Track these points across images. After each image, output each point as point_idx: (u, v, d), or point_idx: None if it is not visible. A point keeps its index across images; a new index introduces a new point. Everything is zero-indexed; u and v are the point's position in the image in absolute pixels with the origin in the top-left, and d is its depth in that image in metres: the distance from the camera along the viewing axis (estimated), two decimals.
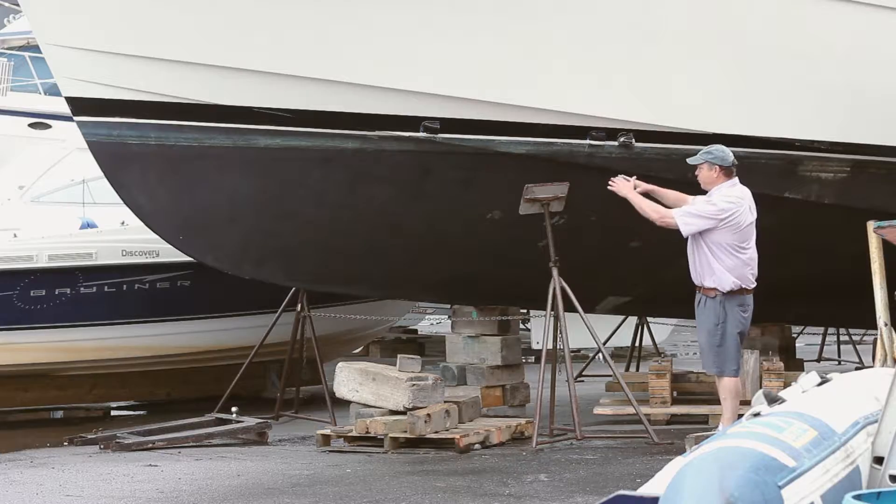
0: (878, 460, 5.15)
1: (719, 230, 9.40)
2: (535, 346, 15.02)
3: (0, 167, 15.98)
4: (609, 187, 9.87)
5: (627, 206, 10.35)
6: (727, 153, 9.56)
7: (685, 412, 11.85)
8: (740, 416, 5.81)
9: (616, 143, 10.64)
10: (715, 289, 9.43)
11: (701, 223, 9.42)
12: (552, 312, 10.66)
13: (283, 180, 10.63)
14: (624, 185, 9.85)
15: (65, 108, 11.07)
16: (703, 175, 9.59)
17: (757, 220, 9.57)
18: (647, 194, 9.80)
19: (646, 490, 4.78)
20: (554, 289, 10.63)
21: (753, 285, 9.49)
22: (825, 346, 18.32)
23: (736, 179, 9.58)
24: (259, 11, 10.13)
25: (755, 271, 9.50)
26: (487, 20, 10.22)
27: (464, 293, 12.00)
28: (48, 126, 18.19)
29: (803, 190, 11.15)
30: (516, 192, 10.51)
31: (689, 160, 9.65)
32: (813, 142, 10.83)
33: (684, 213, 9.48)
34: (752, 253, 9.48)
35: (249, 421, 12.02)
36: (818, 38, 10.73)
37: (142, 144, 10.53)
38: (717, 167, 9.54)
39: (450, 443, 10.49)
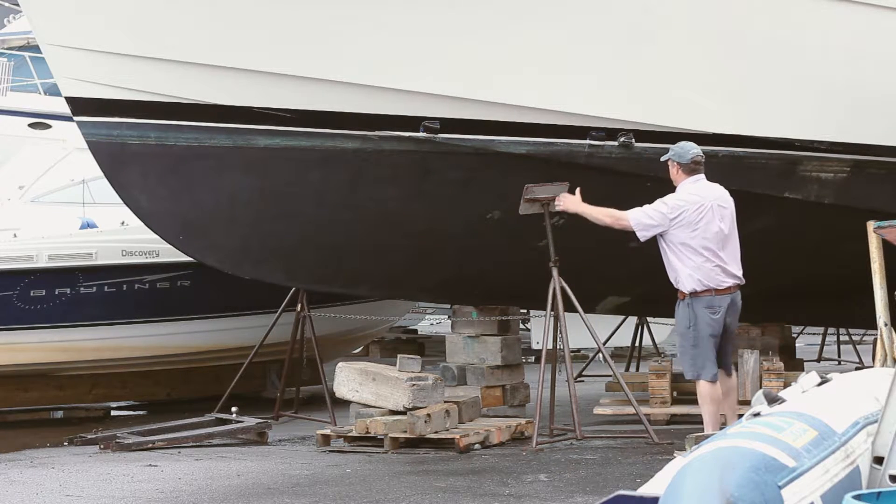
0: (878, 460, 5.15)
1: (674, 230, 9.26)
2: (535, 346, 15.03)
3: (0, 167, 15.98)
4: (557, 208, 9.77)
5: (627, 206, 10.35)
6: (686, 149, 9.40)
7: (685, 412, 11.85)
8: (740, 415, 5.81)
9: (616, 143, 10.64)
10: (681, 291, 9.32)
11: (651, 229, 9.29)
12: (552, 312, 10.66)
13: (283, 180, 10.63)
14: (570, 200, 9.75)
15: (65, 108, 11.07)
16: (670, 173, 9.51)
17: (734, 216, 9.39)
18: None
19: (646, 490, 4.78)
20: (554, 289, 10.63)
21: (725, 286, 9.25)
22: (825, 346, 18.33)
23: (699, 176, 9.42)
24: (259, 11, 10.13)
25: (730, 271, 9.27)
26: (487, 20, 10.22)
27: (464, 293, 12.00)
28: (48, 126, 18.21)
29: (803, 190, 11.14)
30: (516, 192, 10.51)
31: (662, 158, 9.60)
32: (813, 142, 10.83)
33: (637, 214, 9.33)
34: (720, 252, 9.25)
35: (249, 421, 12.02)
36: (818, 38, 10.73)
37: (142, 144, 10.53)
38: (676, 164, 9.44)
39: (450, 443, 10.50)
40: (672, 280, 9.41)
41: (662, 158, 9.58)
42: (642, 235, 9.37)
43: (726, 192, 9.49)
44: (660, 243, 9.40)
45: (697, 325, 9.27)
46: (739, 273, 9.37)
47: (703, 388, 9.42)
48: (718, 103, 10.70)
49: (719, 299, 9.27)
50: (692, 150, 9.42)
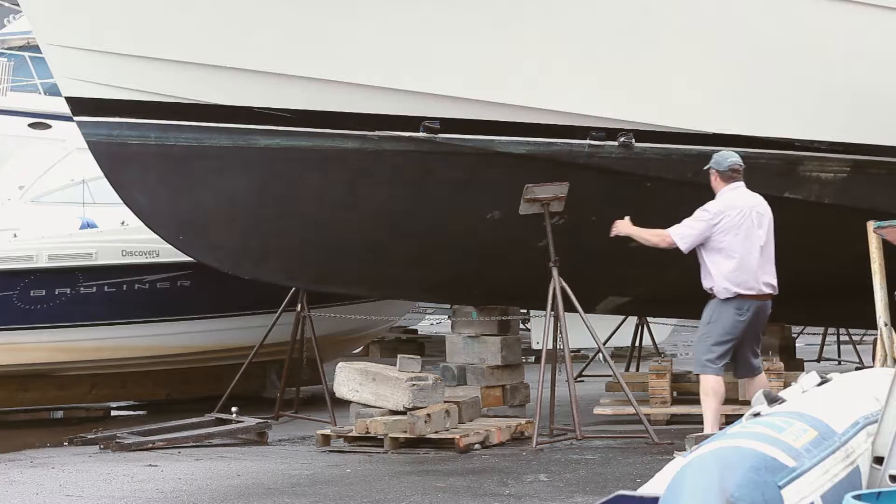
0: (878, 460, 5.14)
1: (715, 235, 9.38)
2: (535, 346, 15.02)
3: (0, 167, 15.98)
4: (612, 234, 9.88)
5: (627, 206, 10.36)
6: (725, 158, 9.57)
7: (685, 412, 11.85)
8: (740, 416, 5.81)
9: (616, 143, 10.64)
10: (713, 293, 9.45)
11: (696, 235, 9.42)
12: (552, 312, 10.67)
13: (283, 180, 10.63)
14: (622, 225, 9.86)
15: (65, 108, 11.07)
16: (710, 181, 9.64)
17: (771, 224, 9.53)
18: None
19: (646, 490, 4.78)
20: (554, 289, 10.63)
21: (756, 292, 9.39)
22: (825, 346, 18.33)
23: (738, 184, 9.56)
24: (259, 11, 10.13)
25: (764, 278, 9.41)
26: (487, 20, 10.22)
27: (464, 293, 12.00)
28: (48, 126, 18.18)
29: (803, 190, 11.14)
30: (516, 192, 10.51)
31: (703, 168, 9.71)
32: (813, 142, 10.83)
33: (679, 227, 9.49)
34: (756, 259, 9.40)
35: (249, 421, 12.03)
36: (818, 38, 10.72)
37: (142, 144, 10.53)
38: (715, 172, 9.58)
39: (450, 443, 10.50)
40: (706, 285, 9.53)
41: (704, 168, 9.67)
42: (686, 247, 9.49)
43: (764, 201, 9.62)
44: (697, 248, 9.50)
45: (720, 321, 9.41)
46: (774, 282, 9.50)
47: (706, 381, 9.52)
48: (718, 103, 10.70)
49: (749, 303, 9.41)
50: (731, 158, 9.58)
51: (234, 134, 10.47)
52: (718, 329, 9.44)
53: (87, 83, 10.40)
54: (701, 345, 9.55)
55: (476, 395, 11.65)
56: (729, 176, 9.54)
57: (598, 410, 11.97)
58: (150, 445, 11.40)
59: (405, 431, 10.57)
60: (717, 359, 9.45)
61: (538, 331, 12.69)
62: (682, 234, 9.46)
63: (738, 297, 9.39)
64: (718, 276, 9.39)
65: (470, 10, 10.20)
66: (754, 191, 9.86)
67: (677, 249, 9.56)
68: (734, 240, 9.38)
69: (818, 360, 17.42)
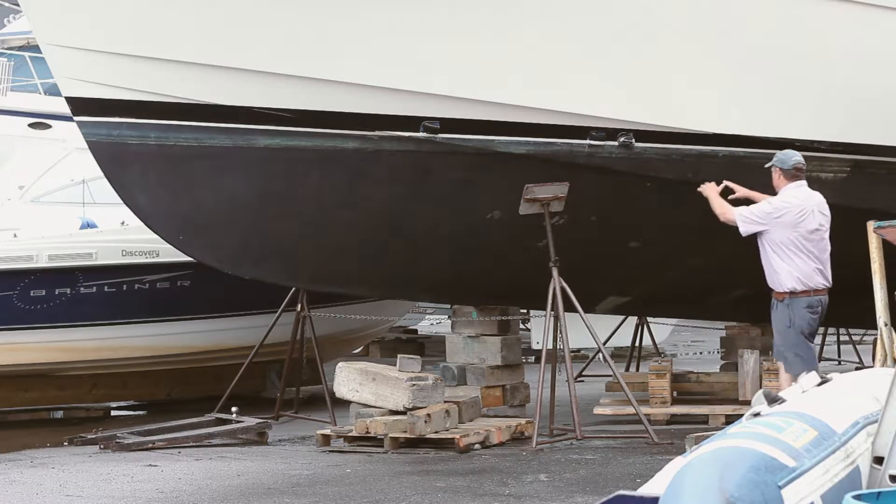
0: (878, 460, 5.14)
1: (776, 230, 9.46)
2: (535, 346, 15.02)
3: (0, 167, 15.97)
4: (700, 188, 9.90)
5: (627, 206, 10.36)
6: (789, 156, 9.67)
7: (685, 412, 11.85)
8: (740, 416, 5.81)
9: (616, 143, 10.64)
10: (782, 292, 9.49)
11: (755, 224, 9.53)
12: (552, 312, 10.67)
13: (283, 180, 10.63)
14: (708, 188, 9.90)
15: (65, 108, 11.07)
16: (773, 179, 9.71)
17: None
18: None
19: (646, 490, 4.78)
20: (554, 289, 10.63)
21: (822, 287, 9.51)
22: (825, 346, 18.31)
23: (801, 182, 9.65)
24: (259, 11, 10.13)
25: (826, 274, 9.51)
26: (487, 20, 10.22)
27: (464, 293, 12.00)
28: (48, 126, 18.18)
29: None
30: (516, 192, 10.51)
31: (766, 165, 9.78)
32: (813, 142, 10.83)
33: (742, 210, 9.62)
34: (819, 254, 9.51)
35: (249, 421, 12.02)
36: (818, 37, 10.73)
37: (142, 144, 10.53)
38: (779, 170, 9.67)
39: (450, 443, 10.49)
40: (770, 280, 9.57)
41: (766, 165, 9.74)
42: (744, 230, 9.57)
43: (824, 201, 9.69)
44: (760, 244, 9.57)
45: (797, 324, 9.48)
46: (831, 278, 9.61)
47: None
48: (718, 103, 10.70)
49: (817, 299, 9.53)
50: (794, 157, 9.69)
51: (234, 134, 10.47)
52: (800, 335, 9.50)
53: (87, 83, 10.40)
54: (792, 351, 9.55)
55: (476, 395, 11.64)
56: (793, 174, 9.63)
57: (598, 410, 11.97)
58: (150, 445, 11.40)
59: (405, 431, 10.57)
60: (813, 360, 9.53)
61: (538, 331, 12.70)
62: (743, 217, 9.57)
63: (808, 293, 9.48)
64: (784, 269, 9.46)
65: (470, 10, 10.20)
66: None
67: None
68: (797, 237, 9.47)
69: (818, 360, 17.38)
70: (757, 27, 10.61)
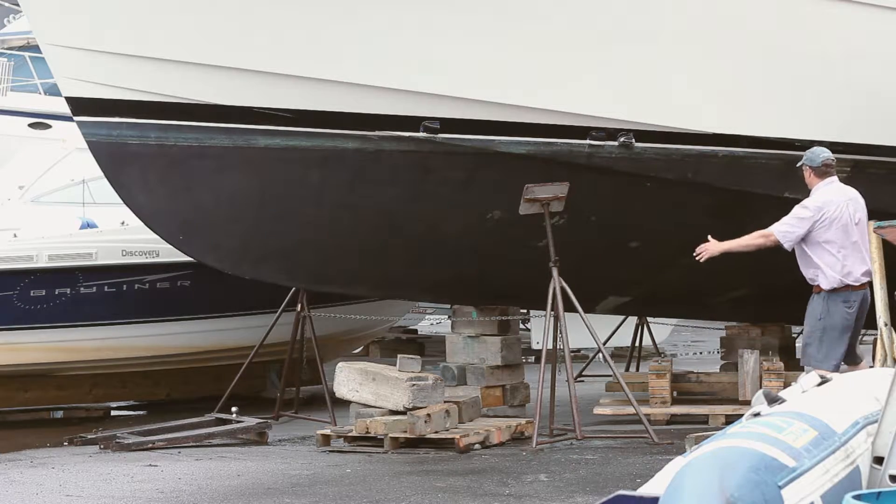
0: (878, 460, 5.15)
1: (816, 230, 9.47)
2: (535, 346, 15.01)
3: (0, 167, 15.98)
4: (699, 258, 9.76)
5: (627, 206, 10.34)
6: (817, 154, 9.66)
7: (685, 412, 11.85)
8: (740, 416, 5.81)
9: (616, 143, 10.63)
10: (819, 286, 9.50)
11: (799, 233, 9.50)
12: (552, 312, 10.66)
13: (283, 180, 10.63)
14: (711, 247, 9.77)
15: (65, 108, 11.08)
16: (804, 178, 9.72)
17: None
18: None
19: (646, 490, 4.78)
20: (554, 289, 10.63)
21: (861, 282, 9.49)
22: None
23: (832, 178, 9.64)
24: (259, 11, 10.13)
25: (863, 267, 9.47)
26: (487, 20, 10.22)
27: (464, 293, 11.99)
28: (48, 126, 18.20)
29: (803, 190, 11.13)
30: (516, 192, 10.51)
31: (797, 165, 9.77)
32: (813, 142, 10.82)
33: (781, 226, 9.55)
34: (855, 249, 9.50)
35: (249, 421, 12.02)
36: (818, 37, 10.72)
37: (142, 144, 10.53)
38: (808, 168, 9.68)
39: (450, 443, 10.49)
40: (809, 277, 9.58)
41: (797, 165, 9.74)
42: (789, 245, 9.56)
43: (858, 194, 9.70)
44: (797, 243, 9.56)
45: (829, 318, 9.48)
46: (869, 271, 9.54)
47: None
48: (718, 103, 10.70)
49: (855, 294, 9.51)
50: (823, 153, 9.69)
51: (234, 134, 10.47)
52: (831, 326, 9.47)
53: (87, 83, 10.40)
54: (814, 344, 9.54)
55: (476, 395, 11.64)
56: (823, 171, 9.64)
57: (598, 410, 11.97)
58: (150, 445, 11.40)
59: (405, 431, 10.57)
60: (832, 357, 9.48)
61: (538, 331, 12.69)
62: (784, 233, 9.52)
63: (846, 288, 9.47)
64: (825, 268, 9.47)
65: (470, 10, 10.20)
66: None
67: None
68: (836, 233, 9.47)
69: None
70: (757, 27, 10.61)
